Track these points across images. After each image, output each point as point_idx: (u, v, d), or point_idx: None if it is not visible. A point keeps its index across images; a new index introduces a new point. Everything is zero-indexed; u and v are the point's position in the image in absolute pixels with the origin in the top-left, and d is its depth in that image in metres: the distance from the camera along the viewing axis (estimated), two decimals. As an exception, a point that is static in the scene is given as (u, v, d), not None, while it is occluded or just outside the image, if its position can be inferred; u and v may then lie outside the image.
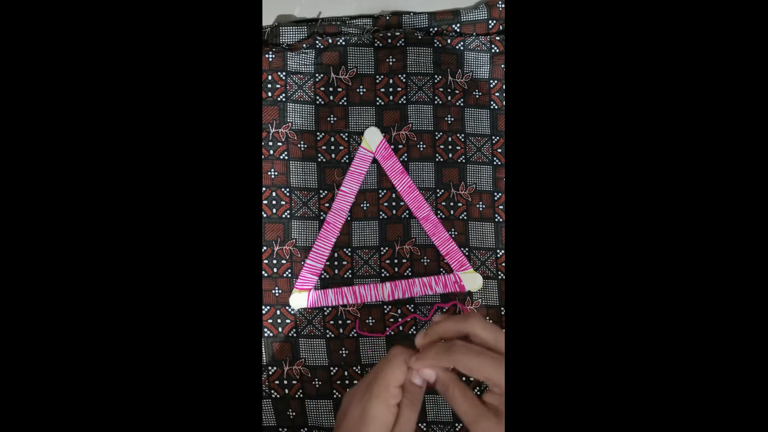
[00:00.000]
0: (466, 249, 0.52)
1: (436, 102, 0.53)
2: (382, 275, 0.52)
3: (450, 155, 0.53)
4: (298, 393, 0.52)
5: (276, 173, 0.53)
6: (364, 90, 0.53)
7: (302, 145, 0.53)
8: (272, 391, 0.52)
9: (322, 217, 0.53)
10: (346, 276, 0.53)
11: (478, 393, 0.52)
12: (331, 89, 0.53)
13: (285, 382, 0.52)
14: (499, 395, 0.36)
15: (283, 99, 0.53)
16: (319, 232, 0.52)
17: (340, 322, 0.52)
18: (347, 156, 0.53)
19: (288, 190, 0.53)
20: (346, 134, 0.53)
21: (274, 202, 0.52)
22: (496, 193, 0.53)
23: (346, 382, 0.52)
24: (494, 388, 0.37)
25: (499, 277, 0.53)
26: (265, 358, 0.52)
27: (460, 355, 0.36)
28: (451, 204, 0.53)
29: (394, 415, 0.37)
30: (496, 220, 0.53)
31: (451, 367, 0.38)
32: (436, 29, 0.54)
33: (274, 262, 0.52)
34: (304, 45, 0.53)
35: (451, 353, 0.37)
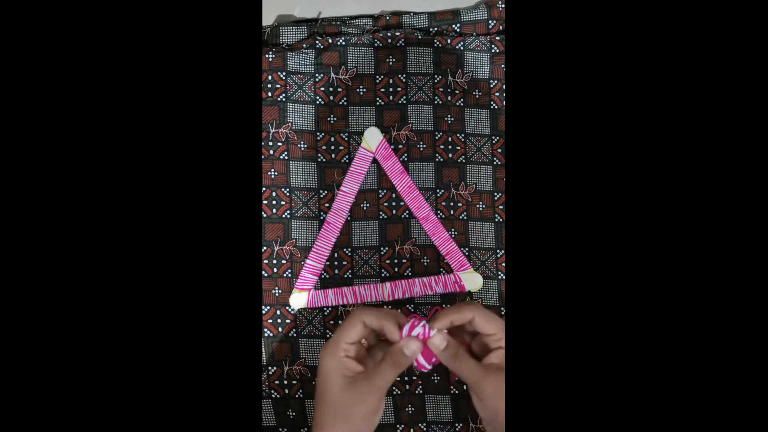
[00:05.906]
0: (466, 249, 0.52)
1: (436, 102, 0.53)
2: (382, 275, 0.52)
3: (450, 155, 0.53)
4: (298, 393, 0.52)
5: (276, 173, 0.53)
6: (364, 90, 0.53)
7: (302, 145, 0.53)
8: (272, 391, 0.52)
9: (322, 217, 0.53)
10: (346, 276, 0.53)
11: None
12: (331, 89, 0.53)
13: (285, 382, 0.52)
14: (500, 351, 0.42)
15: (283, 99, 0.53)
16: (319, 232, 0.52)
17: (340, 322, 0.52)
18: (347, 156, 0.53)
19: (288, 190, 0.53)
20: (346, 134, 0.53)
21: (274, 202, 0.52)
22: (496, 193, 0.53)
23: (346, 382, 0.52)
24: (497, 343, 0.43)
25: (499, 277, 0.53)
26: (265, 358, 0.52)
27: (472, 310, 0.43)
28: (451, 204, 0.53)
29: (344, 367, 0.41)
30: (496, 220, 0.53)
31: (468, 320, 0.43)
32: (436, 29, 0.54)
33: (274, 262, 0.52)
34: (304, 45, 0.53)
35: (463, 310, 0.43)
